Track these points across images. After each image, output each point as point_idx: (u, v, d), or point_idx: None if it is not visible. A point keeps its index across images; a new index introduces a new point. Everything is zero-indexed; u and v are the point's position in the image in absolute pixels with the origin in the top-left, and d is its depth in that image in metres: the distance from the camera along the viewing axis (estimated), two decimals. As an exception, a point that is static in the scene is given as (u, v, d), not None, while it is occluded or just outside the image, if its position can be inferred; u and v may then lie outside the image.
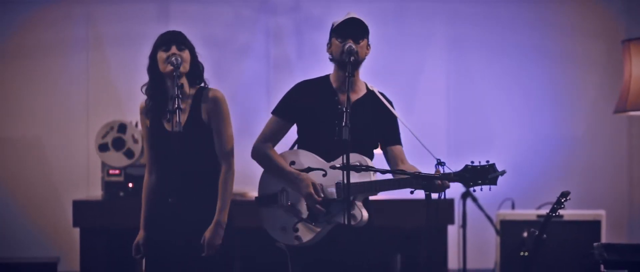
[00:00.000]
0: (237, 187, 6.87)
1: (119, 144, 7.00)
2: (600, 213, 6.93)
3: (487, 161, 4.44)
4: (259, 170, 4.94)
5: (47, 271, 7.02)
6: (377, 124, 4.89)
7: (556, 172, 8.04)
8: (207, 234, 4.71)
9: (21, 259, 7.36)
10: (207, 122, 4.76)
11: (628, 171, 8.15)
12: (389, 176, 4.63)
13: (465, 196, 7.26)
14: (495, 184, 4.43)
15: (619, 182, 8.14)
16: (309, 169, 4.61)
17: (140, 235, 4.83)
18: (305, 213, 4.76)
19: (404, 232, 7.01)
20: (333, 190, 4.74)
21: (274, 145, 4.93)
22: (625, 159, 8.15)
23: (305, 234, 4.76)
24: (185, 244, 4.61)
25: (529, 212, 7.04)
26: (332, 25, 4.85)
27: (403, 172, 4.62)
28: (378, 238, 4.89)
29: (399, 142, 4.95)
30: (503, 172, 4.43)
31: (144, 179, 4.89)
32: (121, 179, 6.96)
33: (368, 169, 4.54)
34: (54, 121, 7.98)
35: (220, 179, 4.79)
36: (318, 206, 4.70)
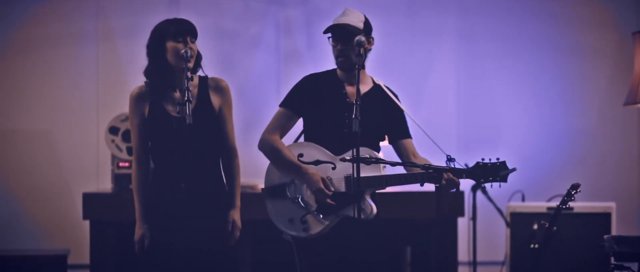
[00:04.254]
0: (247, 179, 6.90)
1: (128, 136, 7.02)
2: (610, 205, 6.93)
3: (498, 159, 4.50)
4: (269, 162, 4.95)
5: (57, 264, 7.02)
6: (385, 117, 4.90)
7: (566, 165, 8.02)
8: (235, 216, 4.75)
9: (31, 252, 7.36)
10: (218, 111, 4.75)
11: (638, 163, 8.13)
12: (399, 169, 4.65)
13: (475, 188, 7.26)
14: (505, 181, 4.52)
15: (629, 174, 8.12)
16: (317, 162, 4.61)
17: (145, 228, 4.74)
18: (314, 206, 4.77)
19: (414, 224, 7.01)
20: (342, 183, 4.74)
21: (282, 137, 4.94)
22: (636, 151, 8.14)
23: (314, 226, 4.77)
24: (187, 244, 4.58)
25: (539, 205, 7.03)
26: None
27: (414, 164, 4.64)
28: (385, 231, 4.90)
29: (408, 136, 4.97)
30: (513, 170, 4.52)
31: (133, 171, 4.81)
32: (131, 171, 6.95)
33: (378, 161, 4.54)
34: (64, 114, 7.98)
35: (231, 166, 4.81)
36: (329, 200, 4.71)
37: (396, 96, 4.96)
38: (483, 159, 4.52)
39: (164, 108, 4.67)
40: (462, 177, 4.55)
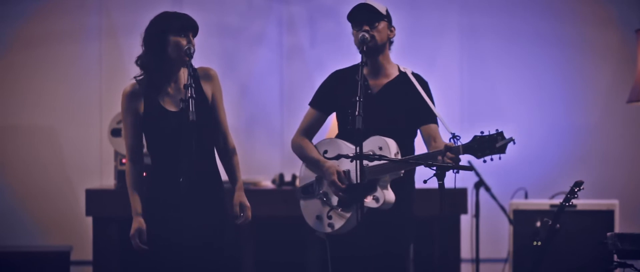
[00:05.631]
0: (249, 176, 6.89)
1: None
2: (613, 203, 6.92)
3: (497, 129, 4.46)
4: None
5: (60, 260, 7.01)
6: (408, 105, 4.89)
7: (569, 162, 8.02)
8: (243, 199, 4.73)
9: (34, 248, 7.36)
10: (211, 100, 4.74)
11: (641, 160, 8.15)
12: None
13: (478, 185, 7.25)
14: (504, 152, 4.45)
15: (632, 171, 8.12)
16: (338, 156, 4.60)
17: (140, 222, 4.67)
18: (336, 200, 4.79)
19: (416, 221, 7.00)
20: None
21: (311, 136, 5.03)
22: (639, 148, 8.13)
23: (338, 221, 4.80)
24: (189, 241, 4.56)
25: (542, 202, 7.03)
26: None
27: (407, 158, 4.63)
28: (396, 227, 4.90)
29: (431, 121, 4.92)
30: (511, 140, 4.44)
31: (127, 169, 4.74)
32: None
33: (381, 157, 4.53)
34: (66, 110, 7.98)
35: (231, 164, 4.80)
36: (341, 193, 4.73)
37: (423, 83, 4.96)
38: (482, 132, 4.48)
39: (160, 104, 4.65)
40: (460, 153, 4.52)
